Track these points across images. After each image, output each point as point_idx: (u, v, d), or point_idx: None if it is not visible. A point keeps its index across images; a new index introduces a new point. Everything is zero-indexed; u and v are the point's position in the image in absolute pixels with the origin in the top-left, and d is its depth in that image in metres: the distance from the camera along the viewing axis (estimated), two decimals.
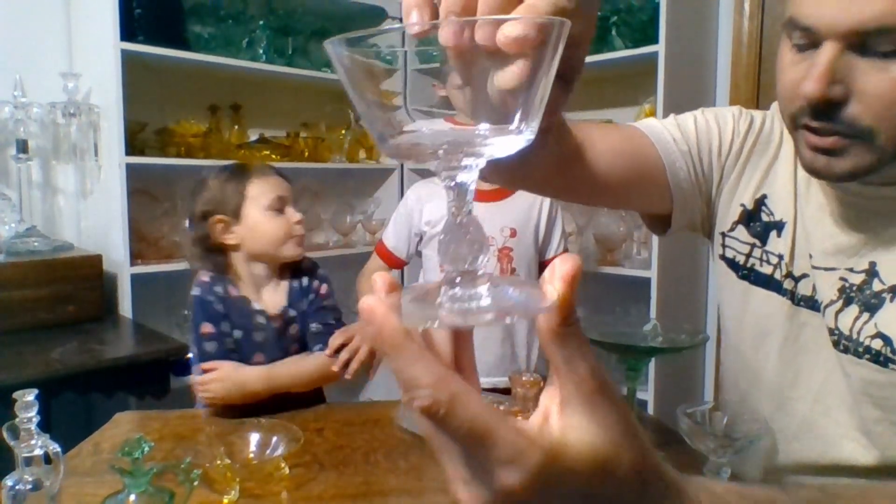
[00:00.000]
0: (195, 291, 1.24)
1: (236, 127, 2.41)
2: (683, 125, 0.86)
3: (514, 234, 1.51)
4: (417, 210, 1.59)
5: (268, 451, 0.98)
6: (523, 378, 1.07)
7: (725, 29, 2.16)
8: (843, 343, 0.74)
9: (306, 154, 2.47)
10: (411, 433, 1.09)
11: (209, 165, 2.05)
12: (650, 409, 1.97)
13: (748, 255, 0.84)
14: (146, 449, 0.74)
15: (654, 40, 1.93)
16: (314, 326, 1.25)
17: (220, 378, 1.14)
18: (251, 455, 0.98)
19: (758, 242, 0.83)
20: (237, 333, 1.23)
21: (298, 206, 1.31)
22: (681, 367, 2.17)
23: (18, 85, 1.97)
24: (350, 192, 2.71)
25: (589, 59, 1.87)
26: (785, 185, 0.81)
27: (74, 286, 1.92)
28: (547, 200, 1.55)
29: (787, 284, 0.81)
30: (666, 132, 0.84)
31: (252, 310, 1.23)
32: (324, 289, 1.29)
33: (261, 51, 2.28)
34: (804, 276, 0.79)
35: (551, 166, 0.72)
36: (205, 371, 1.15)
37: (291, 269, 1.28)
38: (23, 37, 2.08)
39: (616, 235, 2.15)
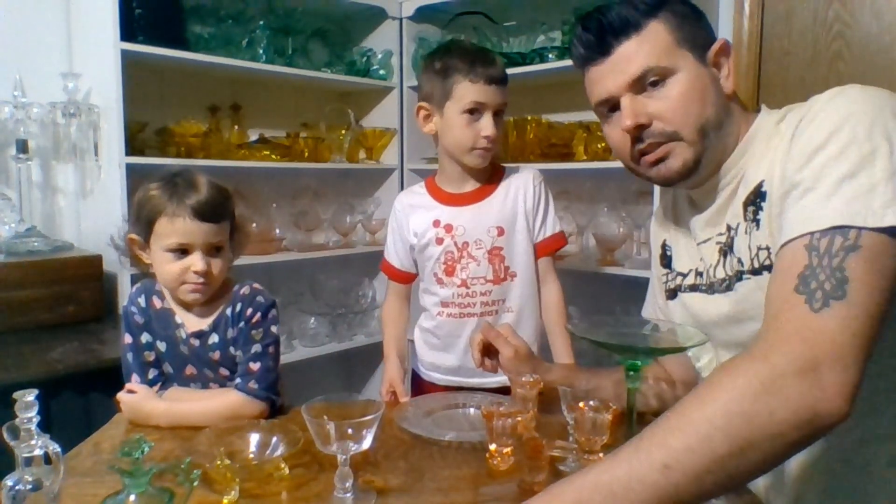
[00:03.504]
0: (125, 300, 1.24)
1: (236, 127, 2.41)
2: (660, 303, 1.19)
3: (502, 232, 1.47)
4: (405, 221, 1.55)
5: (268, 452, 0.98)
6: (523, 378, 1.07)
7: (725, 29, 2.15)
8: (729, 282, 0.97)
9: (306, 154, 2.47)
10: (411, 433, 1.09)
11: (209, 165, 2.06)
12: None
13: (666, 282, 1.14)
14: (146, 449, 0.74)
15: None
16: (238, 356, 1.19)
17: (128, 404, 1.15)
18: (251, 455, 0.98)
19: (668, 271, 1.14)
20: (162, 345, 1.20)
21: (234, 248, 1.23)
22: None
23: (18, 85, 1.97)
24: (350, 192, 2.70)
25: None
26: (668, 226, 1.16)
27: (74, 286, 1.92)
28: (530, 187, 1.50)
29: (678, 281, 1.10)
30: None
31: (175, 322, 1.20)
32: (256, 317, 1.19)
33: (261, 51, 2.28)
34: (691, 270, 1.07)
35: None
36: (129, 389, 1.17)
37: (228, 294, 1.21)
38: (23, 37, 2.08)
39: (616, 235, 2.15)
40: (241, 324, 1.19)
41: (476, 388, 1.45)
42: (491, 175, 1.53)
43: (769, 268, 0.88)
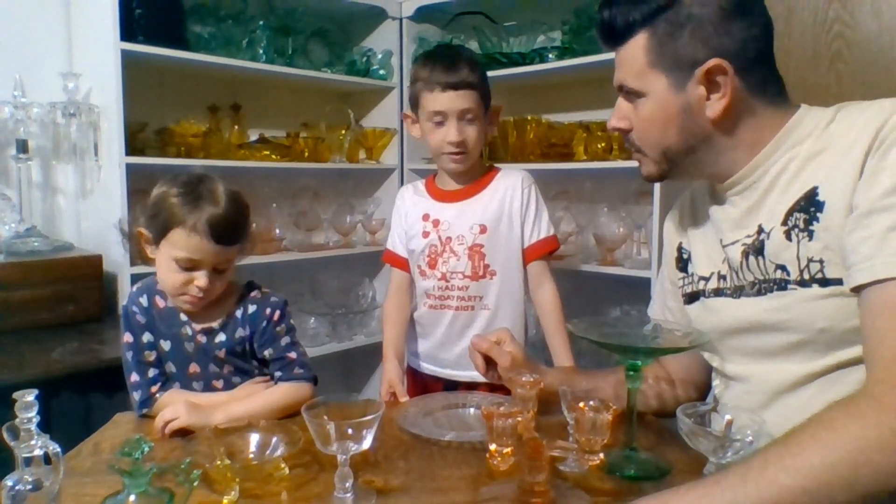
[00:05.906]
0: (125, 300, 1.23)
1: (236, 127, 2.41)
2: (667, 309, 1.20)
3: (484, 230, 1.50)
4: (403, 210, 1.61)
5: (268, 452, 0.98)
6: (523, 378, 1.07)
7: None
8: (760, 286, 0.94)
9: (306, 154, 2.47)
10: (411, 433, 1.09)
11: (209, 165, 2.06)
12: None
13: (683, 286, 1.12)
14: (146, 449, 0.74)
15: None
16: (268, 353, 1.22)
17: (178, 415, 1.10)
18: (251, 455, 0.98)
19: (685, 275, 1.12)
20: (166, 344, 1.20)
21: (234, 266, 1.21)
22: None
23: (18, 85, 1.97)
24: (350, 192, 2.70)
25: (589, 59, 1.90)
26: (685, 228, 1.14)
27: (74, 286, 1.92)
28: (518, 190, 1.53)
29: (700, 285, 1.07)
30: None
31: (181, 320, 1.20)
32: (276, 315, 1.23)
33: (261, 51, 2.28)
34: (713, 273, 1.04)
35: None
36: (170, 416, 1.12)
37: (235, 294, 1.23)
38: (23, 37, 2.08)
39: (616, 235, 2.15)
40: (264, 324, 1.22)
41: (452, 379, 1.54)
42: (482, 175, 1.57)
43: (820, 281, 0.86)
